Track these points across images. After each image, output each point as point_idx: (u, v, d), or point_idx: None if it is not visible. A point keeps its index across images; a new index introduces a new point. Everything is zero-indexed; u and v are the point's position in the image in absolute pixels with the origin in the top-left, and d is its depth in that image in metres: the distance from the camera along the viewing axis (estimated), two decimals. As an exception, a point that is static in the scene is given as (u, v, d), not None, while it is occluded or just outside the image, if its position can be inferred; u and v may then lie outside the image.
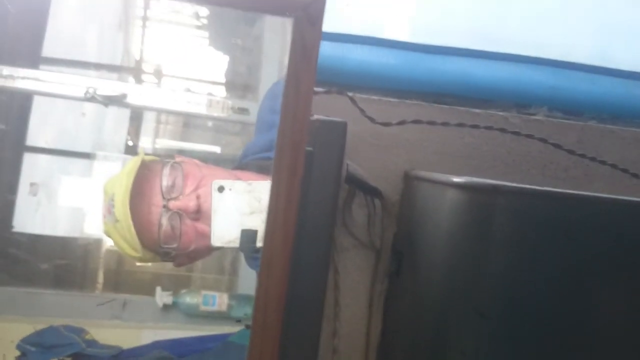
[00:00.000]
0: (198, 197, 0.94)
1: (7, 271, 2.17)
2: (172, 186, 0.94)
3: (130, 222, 0.90)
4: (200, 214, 0.94)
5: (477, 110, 0.98)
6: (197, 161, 1.04)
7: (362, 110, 0.81)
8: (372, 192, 0.91)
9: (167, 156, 1.02)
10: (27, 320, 1.55)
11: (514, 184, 0.69)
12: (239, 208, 0.68)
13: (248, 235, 0.68)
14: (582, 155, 0.95)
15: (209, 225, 0.77)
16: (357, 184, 0.91)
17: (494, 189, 0.66)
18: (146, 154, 1.10)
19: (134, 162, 0.96)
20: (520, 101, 1.00)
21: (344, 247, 0.89)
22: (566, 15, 1.01)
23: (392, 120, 0.87)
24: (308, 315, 0.58)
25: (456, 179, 0.70)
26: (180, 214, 0.93)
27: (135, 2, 3.23)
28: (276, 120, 1.12)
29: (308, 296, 0.59)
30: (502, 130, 0.91)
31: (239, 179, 0.94)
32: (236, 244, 0.68)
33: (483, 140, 1.00)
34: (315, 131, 0.39)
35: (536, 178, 0.99)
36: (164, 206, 0.92)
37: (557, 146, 0.94)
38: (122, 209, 0.90)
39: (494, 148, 1.00)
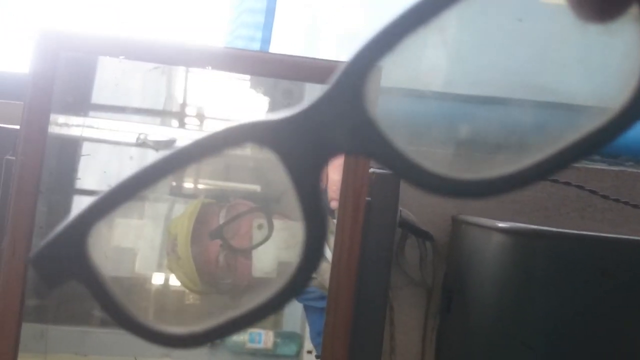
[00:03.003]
0: (250, 238, 1.06)
1: (62, 310, 2.24)
2: (228, 226, 1.10)
3: (191, 260, 1.02)
4: (251, 252, 1.06)
5: None
6: (250, 203, 1.19)
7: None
8: (423, 235, 0.95)
9: (223, 199, 1.17)
10: (80, 358, 1.60)
11: (553, 229, 0.72)
12: (276, 243, 0.83)
13: (285, 267, 0.76)
14: (617, 200, 0.98)
15: None
16: (410, 228, 0.96)
17: (535, 233, 0.70)
18: (205, 198, 1.22)
19: (194, 206, 1.10)
20: None
21: (398, 285, 0.93)
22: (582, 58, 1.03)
23: None
24: (369, 350, 0.60)
25: (501, 224, 0.74)
26: (235, 252, 1.03)
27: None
28: None
29: (369, 332, 0.62)
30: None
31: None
32: (274, 275, 0.83)
33: None
34: (373, 183, 0.42)
35: (575, 221, 1.03)
36: (221, 245, 1.03)
37: (592, 192, 0.97)
38: (185, 247, 1.03)
39: (535, 193, 1.04)
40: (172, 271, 1.11)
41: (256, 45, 1.88)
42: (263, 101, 3.23)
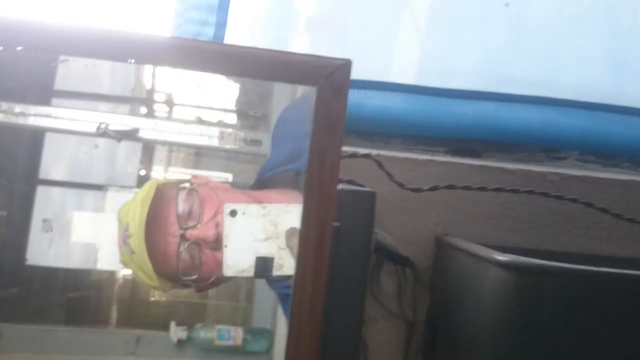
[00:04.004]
0: (217, 225, 0.89)
1: (19, 305, 2.16)
2: (189, 214, 0.90)
3: (146, 255, 0.88)
4: (219, 242, 0.93)
5: (511, 167, 0.90)
6: (214, 182, 1.00)
7: (390, 176, 0.77)
8: (402, 261, 0.86)
9: (182, 180, 0.99)
10: (39, 358, 1.53)
11: (564, 265, 0.62)
12: (253, 234, 0.65)
13: (263, 263, 0.65)
14: (631, 220, 0.85)
15: None
16: (386, 254, 0.87)
17: (543, 270, 0.59)
18: (160, 179, 1.08)
19: (148, 189, 0.92)
20: (548, 145, 0.94)
21: (373, 318, 0.78)
22: (580, 54, 0.98)
23: (422, 183, 0.80)
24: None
25: (500, 257, 0.62)
26: (199, 243, 0.89)
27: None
28: (298, 129, 1.09)
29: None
30: (544, 194, 0.83)
31: (258, 200, 0.92)
32: (250, 273, 0.65)
33: (520, 199, 0.90)
34: (342, 202, 0.35)
35: (578, 240, 0.88)
36: (182, 236, 0.89)
37: (603, 210, 0.85)
38: (138, 240, 0.88)
39: (532, 208, 0.91)
40: (126, 266, 0.94)
41: (209, 32, 1.64)
42: (234, 87, 3.16)
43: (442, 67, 0.98)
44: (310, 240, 0.28)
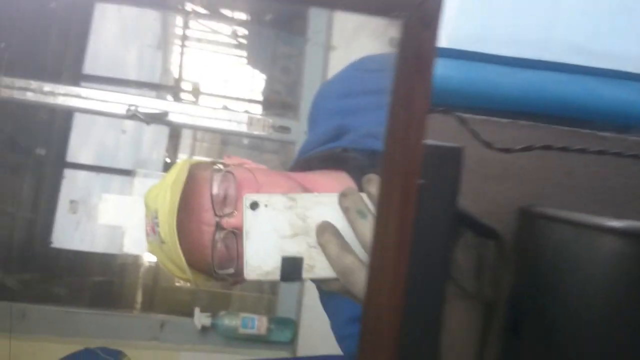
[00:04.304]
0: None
1: (44, 288, 2.17)
2: (225, 199, 0.78)
3: (178, 245, 0.77)
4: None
5: (604, 134, 0.80)
6: (250, 163, 0.87)
7: (475, 133, 0.64)
8: (485, 232, 0.72)
9: (215, 161, 0.85)
10: (62, 340, 1.53)
11: None
12: (278, 229, 0.55)
13: (291, 264, 0.55)
14: None
15: None
16: (468, 223, 0.72)
17: None
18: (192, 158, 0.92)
19: (179, 170, 0.81)
20: (623, 121, 0.86)
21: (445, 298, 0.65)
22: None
23: (507, 145, 0.69)
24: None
25: (617, 224, 0.52)
26: (236, 233, 0.77)
27: (174, 22, 3.27)
28: (343, 104, 1.00)
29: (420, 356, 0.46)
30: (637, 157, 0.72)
31: (302, 184, 0.83)
32: (276, 276, 0.55)
33: (614, 169, 0.79)
34: (425, 160, 0.29)
35: None
36: (217, 224, 0.77)
37: None
38: (169, 229, 0.77)
39: (628, 180, 0.78)
40: (155, 255, 0.84)
41: None
42: (260, 77, 3.15)
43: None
44: (393, 200, 0.23)
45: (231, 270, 0.78)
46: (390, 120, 0.25)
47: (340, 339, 0.88)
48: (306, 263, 0.54)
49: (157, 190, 0.81)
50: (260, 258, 0.54)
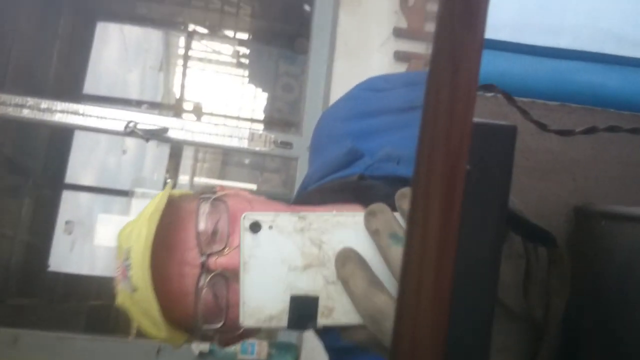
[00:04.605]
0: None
1: (41, 313, 2.11)
2: (214, 234, 0.63)
3: (152, 293, 0.61)
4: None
5: None
6: (246, 194, 0.71)
7: (524, 113, 0.48)
8: (537, 237, 0.56)
9: (205, 191, 0.68)
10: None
11: None
12: (286, 259, 0.41)
13: (302, 306, 0.41)
14: None
15: None
16: (514, 225, 0.55)
17: None
18: (175, 189, 0.70)
19: (158, 201, 0.65)
20: None
21: None
22: None
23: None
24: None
25: None
26: (226, 276, 0.62)
27: (177, 43, 3.26)
28: (354, 127, 0.86)
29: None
30: None
31: None
32: (282, 322, 0.40)
33: None
34: (475, 141, 0.23)
35: None
36: (203, 265, 0.62)
37: None
38: (141, 272, 0.62)
39: None
40: (124, 308, 0.66)
41: None
42: (262, 96, 3.12)
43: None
44: (435, 189, 0.17)
45: (219, 324, 0.61)
46: (428, 93, 0.18)
47: None
48: (322, 304, 0.41)
49: (132, 226, 0.66)
50: (262, 297, 0.41)
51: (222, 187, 0.70)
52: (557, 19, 0.82)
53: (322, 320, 0.41)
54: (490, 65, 0.78)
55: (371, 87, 0.83)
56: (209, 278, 0.61)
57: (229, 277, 0.61)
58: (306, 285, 0.41)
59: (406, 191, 0.41)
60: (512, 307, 0.53)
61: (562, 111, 0.64)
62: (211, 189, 0.68)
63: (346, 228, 0.42)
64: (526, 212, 0.53)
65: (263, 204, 0.67)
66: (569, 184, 0.65)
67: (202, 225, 0.62)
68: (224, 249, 0.61)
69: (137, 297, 0.62)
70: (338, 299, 0.41)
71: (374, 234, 0.40)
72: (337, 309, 0.41)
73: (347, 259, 0.40)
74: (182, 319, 0.62)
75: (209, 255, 0.61)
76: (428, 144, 0.17)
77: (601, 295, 0.56)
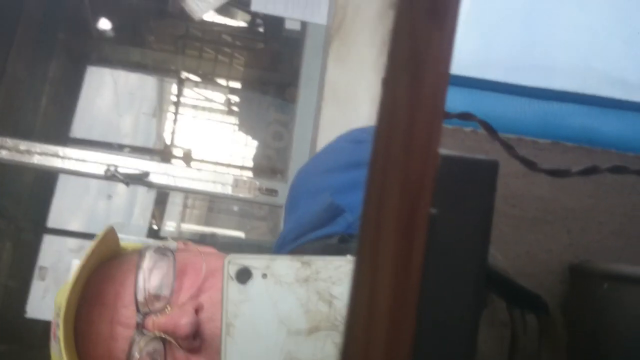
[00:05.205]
0: (198, 310, 0.54)
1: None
2: (156, 289, 0.55)
3: (64, 352, 0.52)
4: (202, 340, 0.53)
5: None
6: (204, 248, 0.64)
7: (509, 148, 0.39)
8: (526, 302, 0.47)
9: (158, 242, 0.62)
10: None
11: None
12: (285, 318, 0.31)
13: None
14: None
15: None
16: (497, 287, 0.47)
17: None
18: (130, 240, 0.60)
19: (89, 252, 0.56)
20: None
21: None
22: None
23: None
24: None
25: None
26: (165, 340, 0.53)
27: (169, 89, 3.27)
28: (333, 181, 0.78)
29: None
30: None
31: None
32: None
33: None
34: (441, 178, 0.17)
35: None
36: (138, 326, 0.53)
37: None
38: (65, 329, 0.52)
39: None
40: None
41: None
42: (252, 144, 3.12)
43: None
44: (385, 241, 0.12)
45: None
46: (384, 101, 0.13)
47: None
48: None
49: (67, 283, 0.57)
50: None
51: (186, 243, 0.64)
52: (549, 59, 0.79)
53: None
54: (478, 105, 0.75)
55: (354, 138, 0.78)
56: (144, 342, 0.53)
57: (168, 341, 0.53)
58: (312, 354, 0.31)
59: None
60: None
61: (555, 150, 0.57)
62: (170, 244, 0.61)
63: None
64: (511, 271, 0.47)
65: (219, 258, 0.59)
66: (563, 237, 0.56)
67: (142, 280, 0.55)
68: (165, 307, 0.54)
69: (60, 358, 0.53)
70: None
71: None
72: None
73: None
74: None
75: (147, 314, 0.54)
76: (378, 179, 0.13)
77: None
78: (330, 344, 0.31)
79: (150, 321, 0.53)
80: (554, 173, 0.42)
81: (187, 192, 1.67)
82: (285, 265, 0.32)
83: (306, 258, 0.33)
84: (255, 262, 0.32)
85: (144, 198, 2.64)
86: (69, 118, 2.58)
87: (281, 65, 2.65)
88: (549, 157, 0.57)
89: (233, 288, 0.32)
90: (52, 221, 2.57)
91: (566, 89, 0.72)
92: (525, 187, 0.56)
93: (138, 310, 0.54)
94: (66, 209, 2.60)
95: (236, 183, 1.47)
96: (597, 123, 0.72)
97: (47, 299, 2.17)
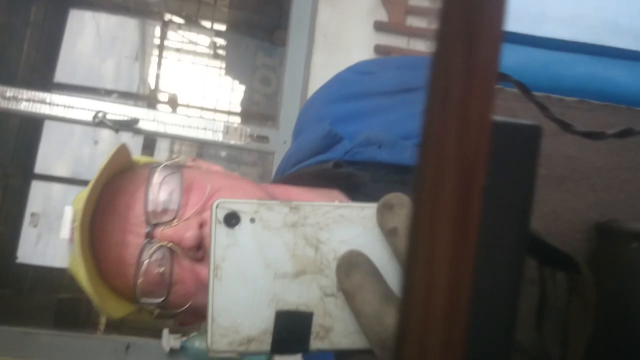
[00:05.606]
0: (202, 225, 0.58)
1: (9, 307, 2.06)
2: (164, 204, 0.60)
3: (87, 255, 0.58)
4: (205, 252, 0.58)
5: None
6: (210, 165, 0.69)
7: (544, 109, 0.42)
8: (555, 261, 0.48)
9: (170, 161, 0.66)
10: (21, 362, 1.43)
11: None
12: (272, 262, 0.32)
13: (291, 324, 0.32)
14: None
15: None
16: (532, 246, 0.44)
17: None
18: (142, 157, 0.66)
19: (106, 160, 0.62)
20: None
21: None
22: None
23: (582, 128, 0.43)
24: None
25: None
26: (172, 248, 0.58)
27: (153, 33, 3.19)
28: (336, 110, 0.73)
29: None
30: None
31: (274, 196, 0.62)
32: (263, 345, 0.32)
33: None
34: (493, 146, 0.17)
35: None
36: (148, 235, 0.58)
37: None
38: (79, 233, 0.57)
39: None
40: (72, 273, 0.63)
41: None
42: (239, 89, 3.08)
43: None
44: (444, 214, 0.12)
45: (160, 299, 0.59)
46: (437, 77, 0.13)
47: None
48: (317, 322, 0.32)
49: (86, 189, 0.62)
50: (238, 313, 0.32)
51: (194, 159, 0.68)
52: (573, 10, 0.75)
53: (316, 343, 0.32)
54: (512, 59, 0.71)
55: (361, 70, 0.80)
56: (153, 249, 0.58)
57: (175, 251, 0.58)
58: (297, 297, 0.32)
59: (393, 200, 0.32)
60: (522, 342, 0.45)
61: (582, 109, 0.56)
62: (180, 160, 0.65)
63: (352, 224, 0.33)
64: (538, 230, 0.46)
65: (227, 179, 0.63)
66: (589, 195, 0.55)
67: (152, 194, 0.60)
68: (172, 220, 0.58)
69: (77, 260, 0.58)
70: (338, 316, 0.32)
71: (390, 233, 0.32)
72: (336, 329, 0.32)
73: (354, 266, 0.31)
74: (124, 290, 0.60)
75: (156, 225, 0.58)
76: (433, 155, 0.13)
77: (631, 331, 0.48)
78: (316, 286, 0.32)
79: (158, 232, 0.58)
80: (590, 135, 0.41)
81: (176, 139, 1.66)
82: (273, 211, 0.32)
83: (294, 204, 0.32)
84: (243, 206, 0.32)
85: (131, 144, 2.62)
86: (52, 63, 2.53)
87: (269, 6, 2.58)
88: (574, 116, 0.56)
89: (221, 232, 0.32)
90: (39, 167, 2.55)
91: (591, 41, 0.70)
92: (552, 147, 0.54)
93: (147, 221, 0.58)
94: (52, 155, 2.58)
95: (227, 130, 1.46)
96: (627, 77, 0.70)
97: (40, 245, 2.18)
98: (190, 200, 0.59)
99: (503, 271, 0.29)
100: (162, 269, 0.58)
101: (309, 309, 0.32)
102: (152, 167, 0.61)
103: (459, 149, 0.14)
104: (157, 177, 0.60)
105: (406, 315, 0.14)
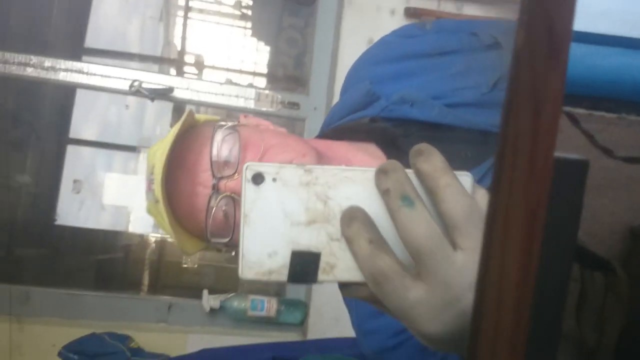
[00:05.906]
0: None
1: (49, 268, 2.14)
2: (226, 159, 0.70)
3: (164, 206, 0.69)
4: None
5: None
6: (266, 124, 0.79)
7: (590, 137, 0.45)
8: (595, 263, 0.55)
9: (226, 119, 0.76)
10: (67, 323, 1.50)
11: None
12: (289, 213, 0.41)
13: (303, 261, 0.41)
14: None
15: None
16: (576, 254, 0.51)
17: None
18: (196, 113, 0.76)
19: (180, 124, 0.73)
20: None
21: None
22: None
23: (614, 148, 0.46)
24: None
25: None
26: (235, 198, 0.69)
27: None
28: (377, 71, 0.82)
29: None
30: None
31: (326, 154, 0.72)
32: (282, 276, 0.41)
33: None
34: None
35: None
36: (214, 186, 0.69)
37: None
38: (158, 187, 0.69)
39: None
40: (152, 216, 0.76)
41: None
42: (264, 50, 3.07)
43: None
44: (514, 239, 0.16)
45: (226, 239, 0.70)
46: (509, 133, 0.16)
47: (362, 334, 0.76)
48: (324, 260, 0.41)
49: (159, 145, 0.74)
50: (262, 251, 0.41)
51: (246, 116, 0.79)
52: (609, 4, 0.73)
53: (322, 276, 0.41)
54: (587, 63, 0.69)
55: (404, 33, 0.87)
56: (219, 199, 0.69)
57: (237, 200, 0.69)
58: (309, 241, 0.41)
59: (423, 147, 0.39)
60: (566, 331, 0.52)
61: (621, 124, 0.58)
62: (233, 118, 0.75)
63: (355, 184, 0.41)
64: (579, 232, 0.50)
65: (275, 135, 0.74)
66: (625, 201, 0.59)
67: (215, 152, 0.70)
68: (234, 174, 0.70)
69: (159, 208, 0.71)
70: (341, 256, 0.41)
71: (384, 193, 0.39)
72: (339, 266, 0.41)
73: (354, 218, 0.39)
74: (196, 231, 0.73)
75: (220, 178, 0.70)
76: (505, 196, 0.16)
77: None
78: (324, 233, 0.41)
79: (222, 184, 0.69)
80: (630, 160, 0.45)
81: (210, 107, 1.69)
82: (291, 172, 0.41)
83: (308, 167, 0.41)
84: (267, 168, 0.41)
85: (162, 108, 2.66)
86: (81, 28, 2.55)
87: (294, -34, 2.55)
88: (615, 131, 0.58)
89: (250, 188, 0.41)
90: (73, 132, 2.61)
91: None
92: (594, 159, 0.58)
93: (213, 175, 0.69)
94: (85, 121, 2.63)
95: (258, 97, 1.48)
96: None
97: (83, 210, 2.25)
98: (247, 156, 0.70)
99: (556, 277, 0.35)
100: (226, 214, 0.70)
101: (317, 250, 0.41)
102: (214, 127, 0.71)
103: (525, 193, 0.17)
104: (218, 136, 0.71)
105: (482, 307, 0.18)
